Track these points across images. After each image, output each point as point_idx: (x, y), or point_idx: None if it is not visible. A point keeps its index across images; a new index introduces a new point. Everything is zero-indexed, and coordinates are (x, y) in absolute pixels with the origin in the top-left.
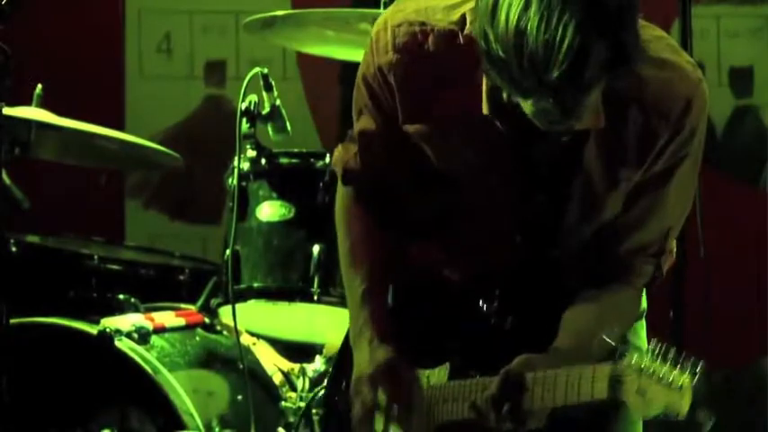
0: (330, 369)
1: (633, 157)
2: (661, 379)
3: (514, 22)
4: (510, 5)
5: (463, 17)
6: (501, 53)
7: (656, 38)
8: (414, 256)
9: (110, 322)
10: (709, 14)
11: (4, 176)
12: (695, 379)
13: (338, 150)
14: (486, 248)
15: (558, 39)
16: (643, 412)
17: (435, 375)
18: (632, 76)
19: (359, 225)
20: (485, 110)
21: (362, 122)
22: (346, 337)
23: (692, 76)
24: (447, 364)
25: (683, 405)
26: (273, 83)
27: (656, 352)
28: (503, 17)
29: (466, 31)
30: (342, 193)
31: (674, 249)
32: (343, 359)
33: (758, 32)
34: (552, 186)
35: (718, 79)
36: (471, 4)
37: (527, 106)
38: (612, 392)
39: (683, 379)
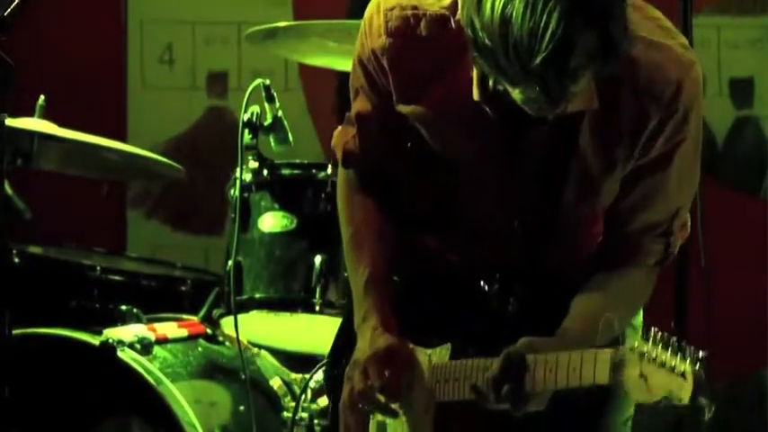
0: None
1: (627, 139)
2: (663, 365)
3: (500, 11)
4: None
5: (455, 2)
6: (487, 41)
7: (648, 18)
8: (415, 240)
9: (112, 333)
10: (709, 25)
11: (7, 187)
12: (697, 366)
13: (337, 133)
14: (484, 232)
15: (542, 26)
16: (644, 397)
17: (437, 355)
18: (623, 59)
19: (361, 210)
20: (475, 96)
21: (359, 104)
22: (344, 324)
23: (683, 58)
24: (448, 345)
25: (686, 391)
26: (275, 94)
27: (658, 339)
28: (488, 6)
29: (457, 17)
30: (342, 176)
31: (688, 223)
32: (340, 345)
33: (758, 43)
34: (547, 170)
35: (719, 90)
36: None
37: (515, 94)
38: (614, 377)
39: (685, 366)
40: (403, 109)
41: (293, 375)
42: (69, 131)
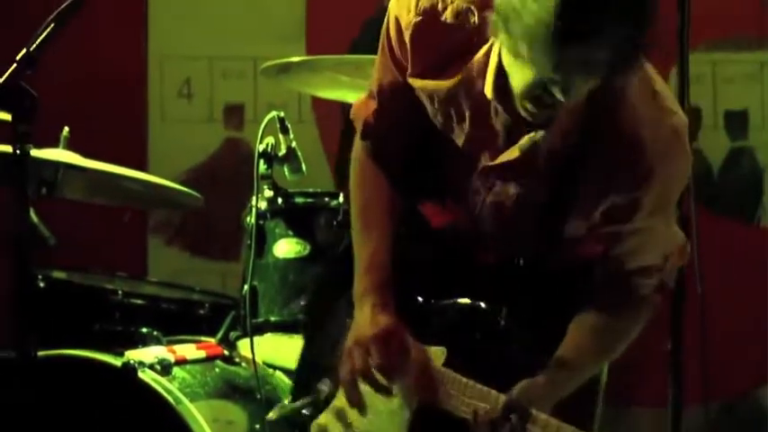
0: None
1: (597, 183)
2: None
3: None
4: None
5: None
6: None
7: (651, 93)
8: (424, 218)
9: (133, 354)
10: (705, 60)
11: (33, 215)
12: None
13: (358, 104)
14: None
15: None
16: None
17: (431, 354)
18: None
19: (372, 186)
20: (488, 92)
21: (382, 75)
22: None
23: (666, 146)
24: (444, 349)
25: None
26: (289, 126)
27: None
28: None
29: (483, 13)
30: (358, 147)
31: (687, 247)
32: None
33: (752, 77)
34: (534, 172)
35: (714, 122)
36: None
37: (527, 74)
38: None
39: None
40: (414, 82)
41: None
42: (92, 162)
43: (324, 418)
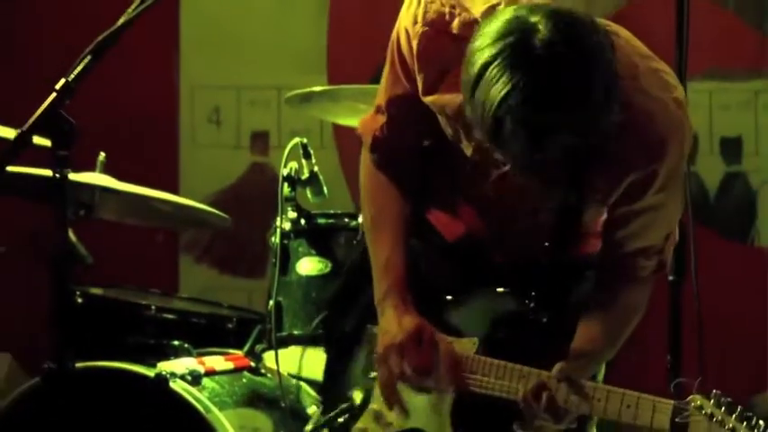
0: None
1: (604, 184)
2: (733, 431)
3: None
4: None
5: (489, 9)
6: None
7: (649, 70)
8: (438, 233)
9: (165, 366)
10: (702, 89)
11: (71, 235)
12: None
13: (366, 119)
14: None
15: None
16: None
17: (461, 345)
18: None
19: (382, 196)
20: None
21: (391, 88)
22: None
23: (674, 117)
24: (476, 339)
25: None
26: (312, 151)
27: (723, 402)
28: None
29: None
30: (367, 160)
31: (675, 232)
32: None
33: (746, 105)
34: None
35: (710, 148)
36: None
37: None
38: (675, 428)
39: None
40: (425, 99)
41: None
42: (127, 185)
43: (362, 422)
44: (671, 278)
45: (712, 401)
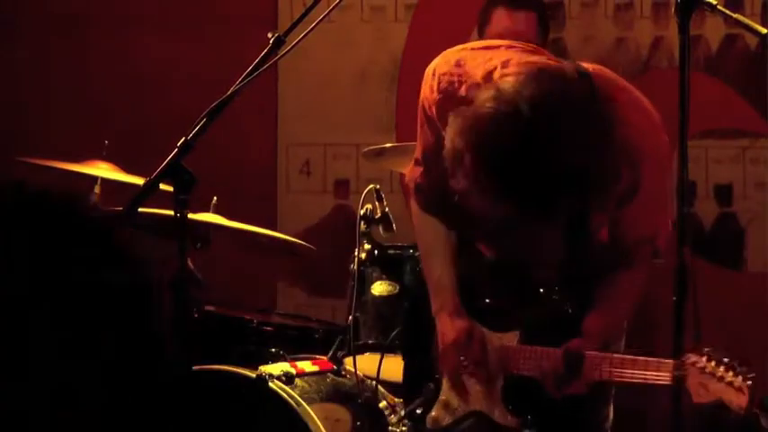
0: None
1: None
2: (722, 378)
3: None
4: None
5: (489, 73)
6: None
7: (631, 101)
8: (475, 246)
9: (265, 369)
10: (699, 146)
11: (189, 263)
12: (749, 382)
13: (408, 170)
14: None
15: None
16: (702, 400)
17: (506, 338)
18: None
19: (430, 232)
20: None
21: (423, 143)
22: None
23: (651, 134)
24: (517, 332)
25: (742, 402)
26: (383, 195)
27: (713, 356)
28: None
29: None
30: (415, 203)
31: (669, 223)
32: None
33: (736, 158)
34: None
35: (706, 193)
36: (503, 56)
37: None
38: (677, 383)
39: (739, 382)
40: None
41: (395, 399)
42: (235, 223)
43: (435, 411)
44: (674, 298)
45: (704, 357)
